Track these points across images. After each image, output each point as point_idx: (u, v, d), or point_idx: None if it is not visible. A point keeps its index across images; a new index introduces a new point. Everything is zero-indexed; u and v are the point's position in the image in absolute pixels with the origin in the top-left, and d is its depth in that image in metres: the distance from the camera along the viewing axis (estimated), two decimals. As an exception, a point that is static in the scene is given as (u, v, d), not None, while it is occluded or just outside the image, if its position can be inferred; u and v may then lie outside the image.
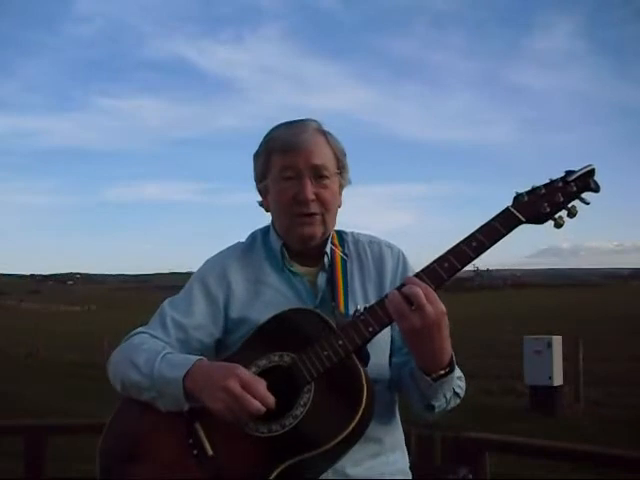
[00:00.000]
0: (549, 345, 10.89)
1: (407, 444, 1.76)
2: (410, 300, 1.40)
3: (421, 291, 1.40)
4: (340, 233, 1.78)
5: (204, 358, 1.56)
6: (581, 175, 1.45)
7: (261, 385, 1.46)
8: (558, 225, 1.46)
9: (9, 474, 5.72)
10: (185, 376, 1.51)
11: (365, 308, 1.51)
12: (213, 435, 1.53)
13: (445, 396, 1.55)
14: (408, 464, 1.76)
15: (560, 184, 1.46)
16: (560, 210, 1.46)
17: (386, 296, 1.47)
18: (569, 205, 1.46)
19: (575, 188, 1.45)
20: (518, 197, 1.48)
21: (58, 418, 8.82)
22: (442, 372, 1.49)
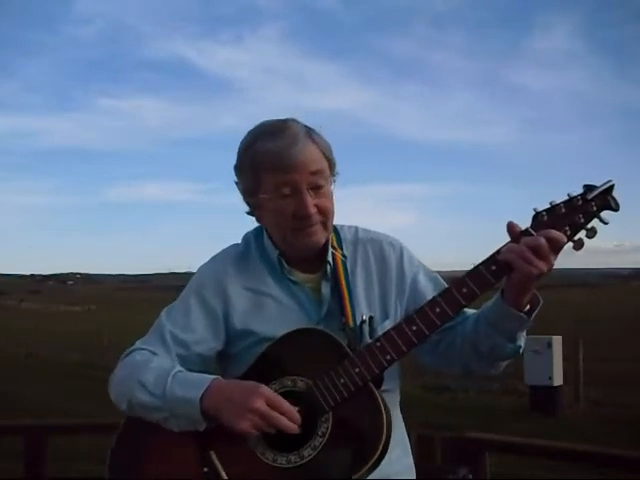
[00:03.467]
0: (549, 345, 10.90)
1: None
2: (535, 250, 1.37)
3: (545, 242, 1.37)
4: (337, 230, 1.70)
5: (219, 377, 1.52)
6: (600, 192, 1.36)
7: (285, 402, 1.44)
8: (578, 247, 1.39)
9: (9, 474, 5.72)
10: (202, 396, 1.46)
11: (383, 334, 1.48)
12: (229, 465, 1.50)
13: (524, 337, 1.56)
14: (412, 460, 1.73)
15: (580, 202, 1.37)
16: (580, 232, 1.38)
17: (404, 320, 1.47)
18: (588, 226, 1.38)
19: (595, 207, 1.36)
20: (537, 216, 1.41)
21: (58, 418, 8.82)
22: (528, 308, 1.49)
